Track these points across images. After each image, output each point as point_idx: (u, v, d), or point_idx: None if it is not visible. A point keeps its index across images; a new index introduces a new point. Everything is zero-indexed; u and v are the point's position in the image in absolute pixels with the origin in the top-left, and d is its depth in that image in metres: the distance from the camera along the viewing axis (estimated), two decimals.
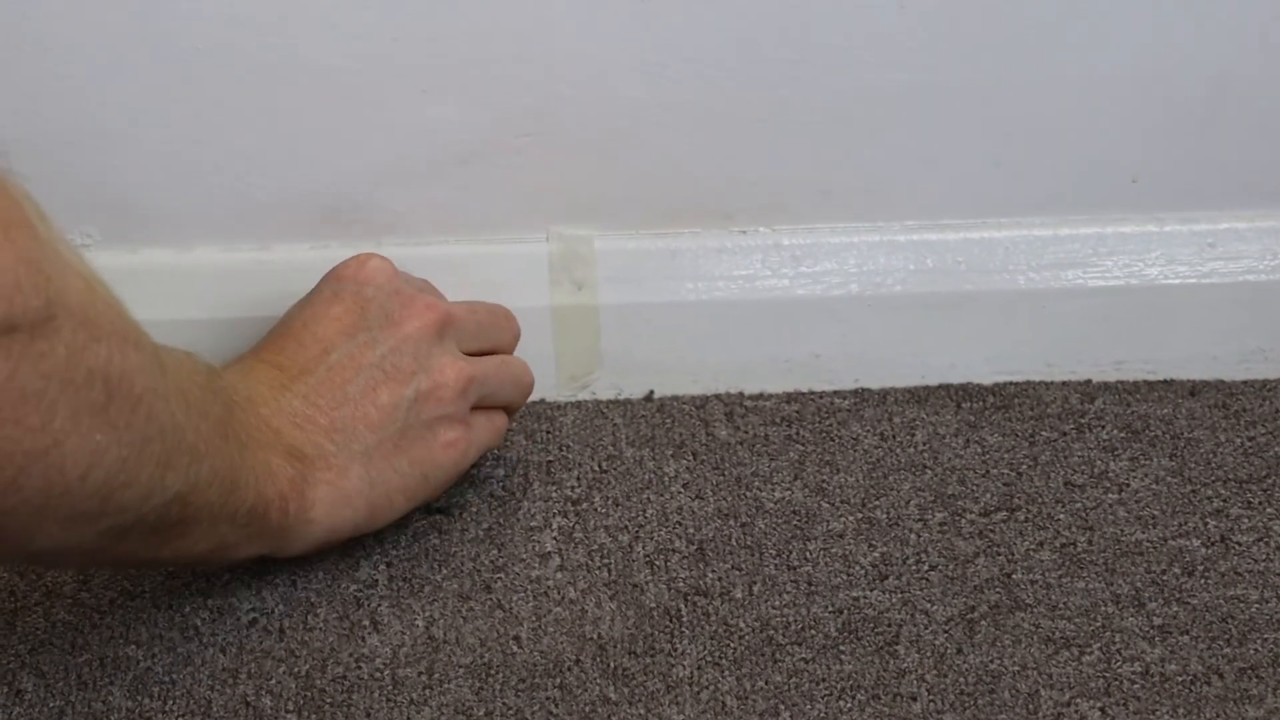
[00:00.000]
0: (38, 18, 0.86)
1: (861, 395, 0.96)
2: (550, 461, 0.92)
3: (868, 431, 0.94)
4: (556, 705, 0.79)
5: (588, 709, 0.79)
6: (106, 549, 0.72)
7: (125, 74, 0.88)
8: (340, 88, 0.90)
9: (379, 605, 0.83)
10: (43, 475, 0.63)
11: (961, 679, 0.80)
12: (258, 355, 0.83)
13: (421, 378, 0.83)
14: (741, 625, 0.83)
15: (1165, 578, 0.85)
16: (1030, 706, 0.79)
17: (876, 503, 0.89)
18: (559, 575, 0.85)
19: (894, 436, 0.93)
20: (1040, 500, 0.90)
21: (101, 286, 0.66)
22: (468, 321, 0.86)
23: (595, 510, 0.89)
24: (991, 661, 0.81)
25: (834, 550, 0.87)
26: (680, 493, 0.90)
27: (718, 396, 0.96)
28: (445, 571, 0.85)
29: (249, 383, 0.80)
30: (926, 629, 0.83)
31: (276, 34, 0.88)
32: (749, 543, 0.87)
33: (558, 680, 0.80)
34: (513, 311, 0.91)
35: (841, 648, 0.82)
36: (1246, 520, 0.89)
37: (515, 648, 0.81)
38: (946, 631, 0.82)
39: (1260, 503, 0.90)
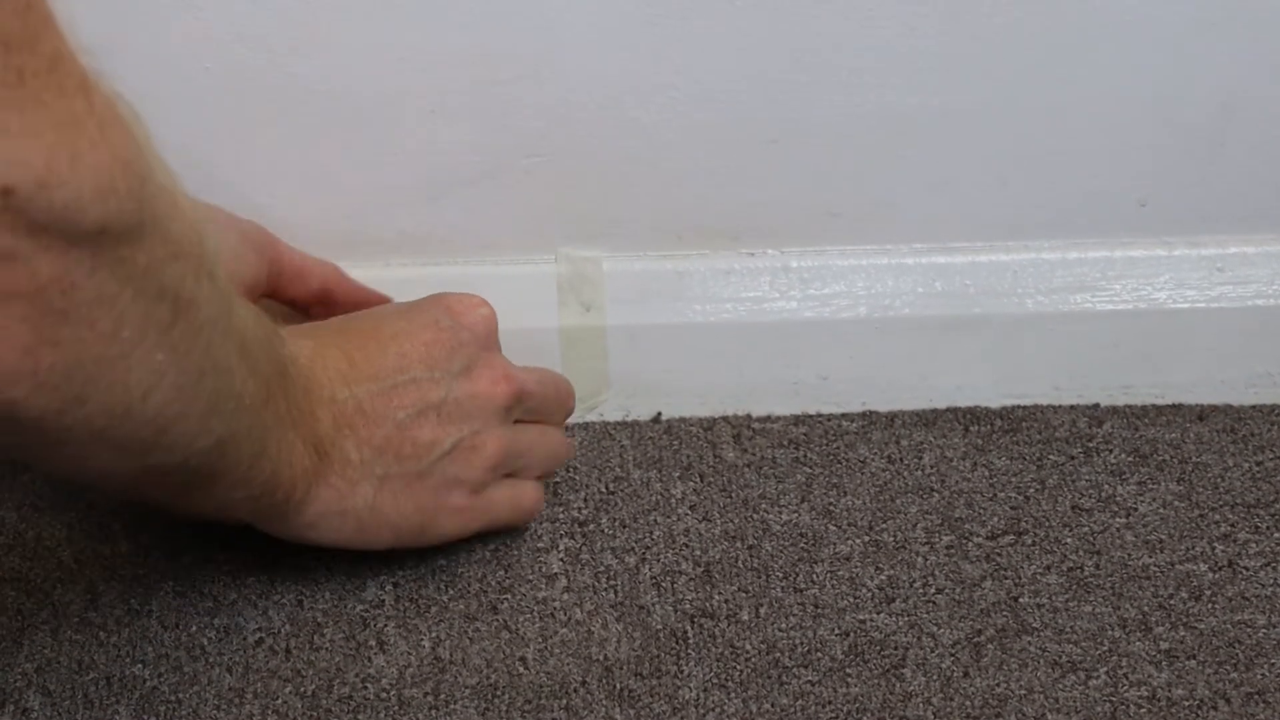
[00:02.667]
0: None
1: (869, 418, 0.96)
2: (557, 483, 0.92)
3: (875, 454, 0.94)
4: None
5: None
6: (141, 488, 0.72)
7: (133, 93, 0.88)
8: (349, 108, 0.90)
9: (385, 625, 0.83)
10: (108, 389, 0.62)
11: (968, 702, 0.80)
12: (338, 340, 0.82)
13: (466, 435, 0.82)
14: (748, 647, 0.83)
15: (1172, 602, 0.85)
16: None
17: (883, 525, 0.89)
18: (565, 596, 0.85)
19: (901, 459, 0.93)
20: (1047, 524, 0.90)
21: (186, 203, 0.65)
22: (535, 397, 0.86)
23: (602, 532, 0.89)
24: (998, 685, 0.81)
25: (841, 573, 0.87)
26: (687, 514, 0.90)
27: (725, 418, 0.96)
28: (452, 592, 0.85)
29: (315, 363, 0.79)
30: (933, 652, 0.82)
31: (286, 54, 0.88)
32: (756, 565, 0.87)
33: (564, 702, 0.80)
34: (519, 332, 0.92)
35: (848, 670, 0.82)
36: (1254, 545, 0.89)
37: (521, 669, 0.81)
38: (953, 655, 0.82)
39: (1268, 527, 0.89)
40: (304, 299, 0.89)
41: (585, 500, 0.90)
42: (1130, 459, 0.94)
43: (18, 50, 0.55)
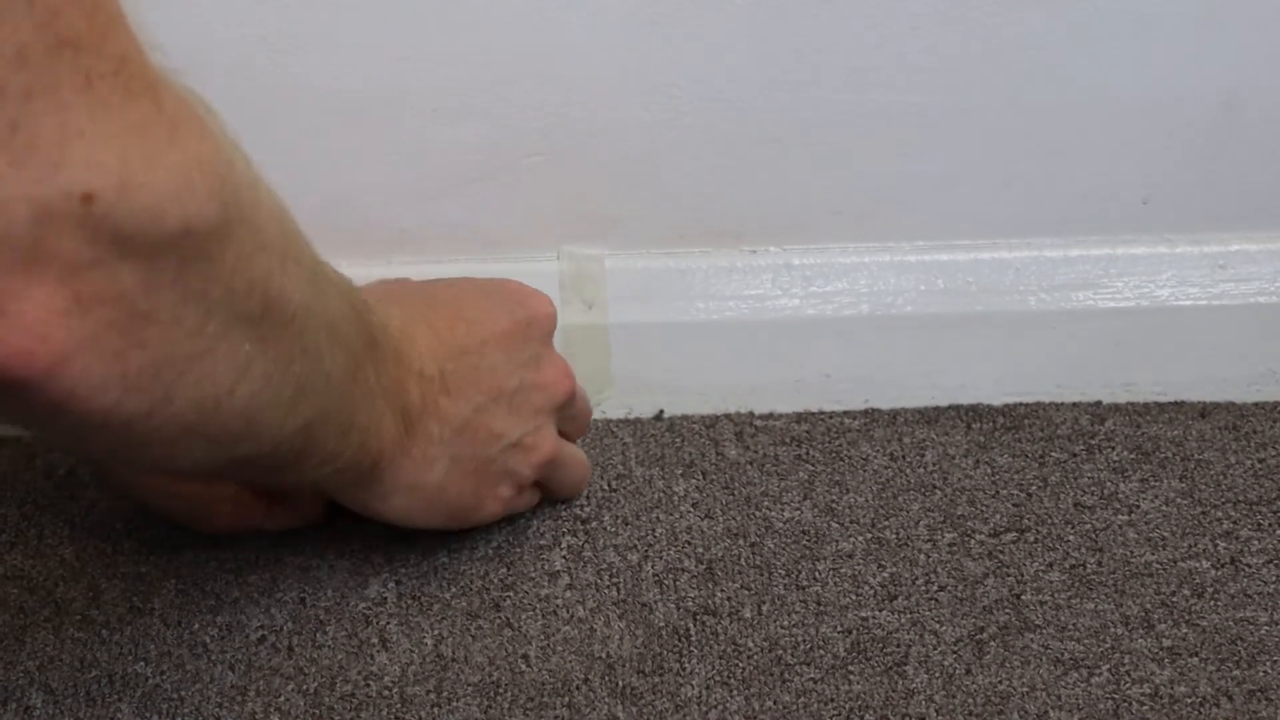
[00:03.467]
0: None
1: (871, 415, 0.96)
2: None
3: (877, 452, 0.94)
4: None
5: None
6: (230, 473, 0.73)
7: None
8: (351, 107, 0.90)
9: (388, 623, 0.83)
10: (196, 385, 0.61)
11: (970, 700, 0.80)
12: (425, 313, 0.82)
13: (529, 431, 0.83)
14: (750, 645, 0.83)
15: (1175, 599, 0.85)
16: None
17: (886, 523, 0.89)
18: (568, 594, 0.85)
19: (904, 457, 0.93)
20: (1050, 521, 0.90)
21: (268, 194, 0.65)
22: (580, 401, 0.87)
23: (604, 529, 0.89)
24: (1000, 682, 0.81)
25: (843, 570, 0.87)
26: (689, 512, 0.90)
27: (727, 416, 0.96)
28: (454, 590, 0.85)
29: (404, 333, 0.79)
30: (935, 649, 0.82)
31: (288, 53, 0.88)
32: (758, 562, 0.87)
33: (566, 699, 0.80)
34: None
35: (850, 668, 0.82)
36: (1256, 542, 0.89)
37: (524, 666, 0.81)
38: (955, 652, 0.82)
39: (1270, 525, 0.89)
40: None
41: (587, 498, 0.90)
42: (1132, 456, 0.94)
43: (85, 51, 0.54)
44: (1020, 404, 0.97)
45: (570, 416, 0.87)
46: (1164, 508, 0.91)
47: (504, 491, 0.84)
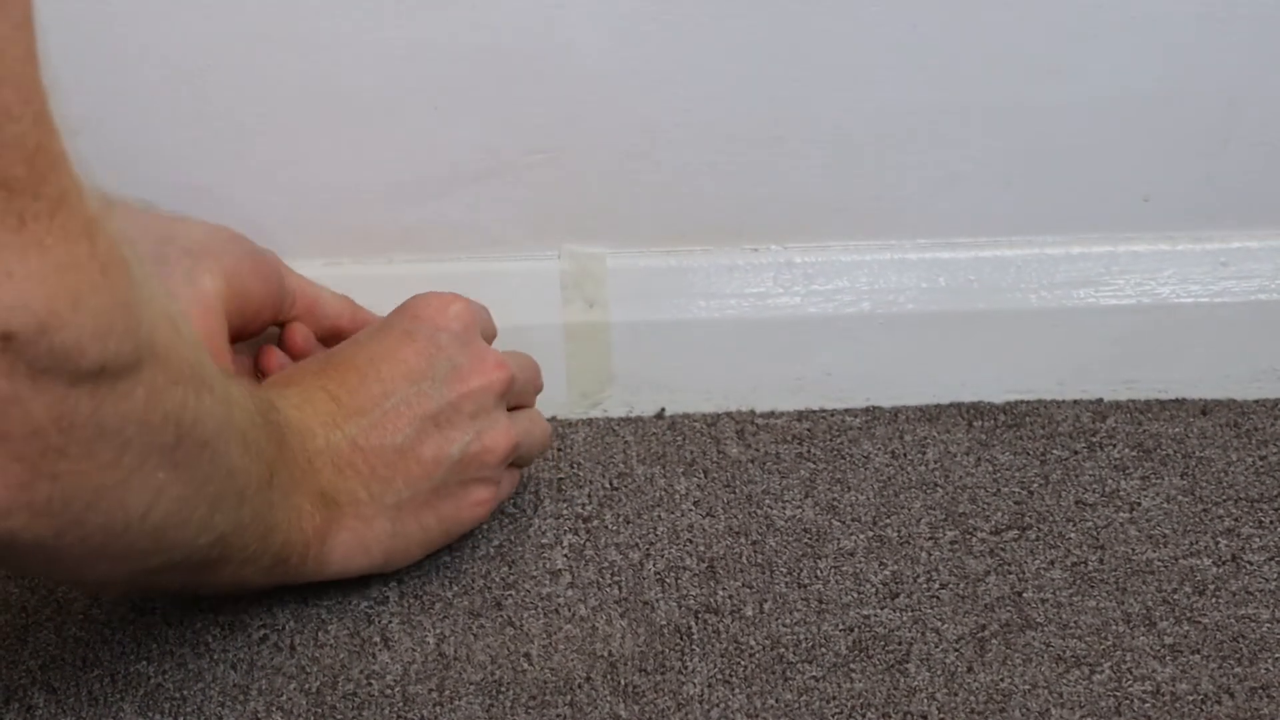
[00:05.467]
0: (44, 36, 0.86)
1: (873, 413, 0.96)
2: (561, 479, 0.92)
3: (879, 450, 0.94)
4: None
5: None
6: (144, 583, 0.74)
7: (137, 91, 0.89)
8: (353, 105, 0.90)
9: (390, 622, 0.83)
10: (106, 512, 0.63)
11: (972, 697, 0.80)
12: (320, 380, 0.82)
13: (472, 440, 0.82)
14: (752, 643, 0.83)
15: (1176, 597, 0.85)
16: None
17: (887, 521, 0.89)
18: (570, 592, 0.85)
19: (905, 455, 0.93)
20: (1051, 519, 0.90)
21: (185, 325, 0.66)
22: (518, 381, 0.86)
23: (606, 527, 0.89)
24: (1002, 680, 0.81)
25: (845, 568, 0.87)
26: (691, 510, 0.90)
27: (729, 414, 0.96)
28: (456, 588, 0.85)
29: (304, 413, 0.80)
30: (937, 647, 0.82)
31: (289, 51, 0.88)
32: (760, 560, 0.87)
33: (568, 698, 0.80)
34: (524, 328, 0.92)
35: (852, 666, 0.82)
36: (1258, 539, 0.89)
37: (526, 665, 0.82)
38: (957, 650, 0.82)
39: (1272, 522, 0.89)
40: (316, 332, 0.89)
41: (589, 496, 0.91)
42: (1134, 454, 0.94)
43: (20, 194, 0.55)
44: (1021, 401, 0.97)
45: (518, 394, 0.86)
46: (1165, 505, 0.91)
47: (478, 495, 0.84)
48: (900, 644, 0.83)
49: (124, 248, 0.61)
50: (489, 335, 0.87)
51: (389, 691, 0.80)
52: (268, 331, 0.88)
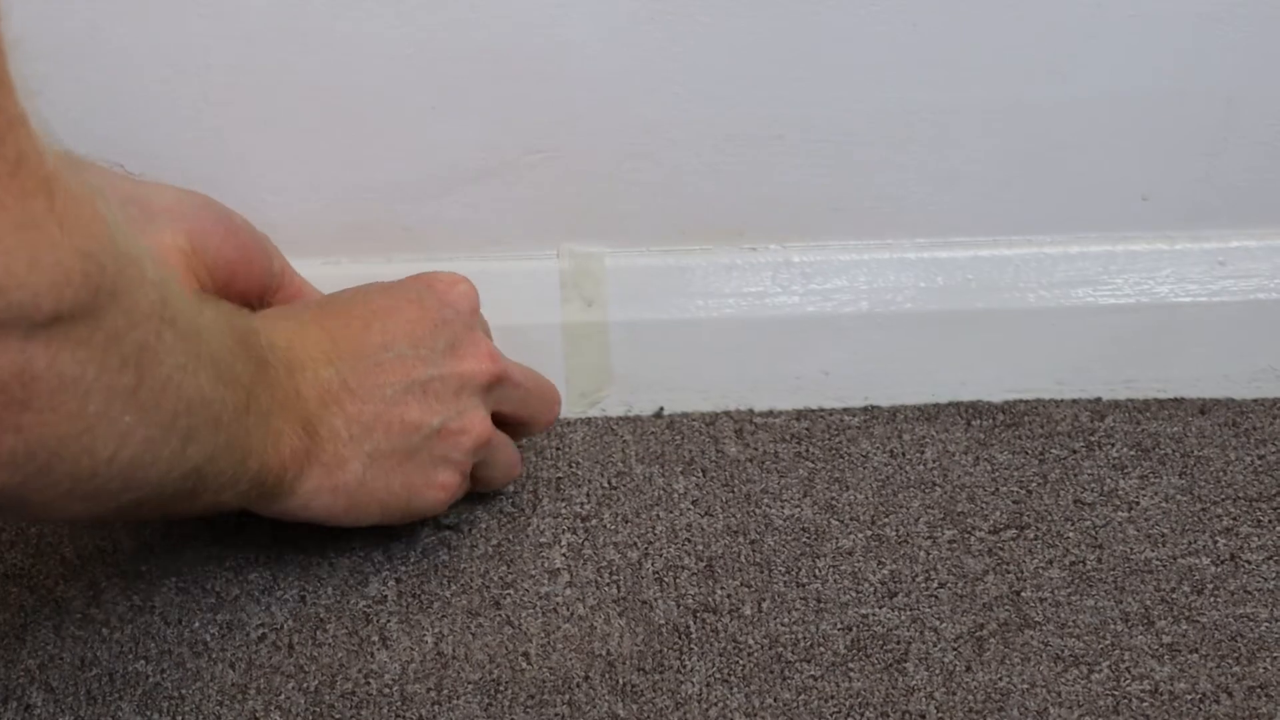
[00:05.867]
0: (49, 31, 0.87)
1: (871, 412, 0.96)
2: (560, 478, 0.92)
3: (877, 449, 0.94)
4: None
5: None
6: (118, 516, 0.75)
7: (137, 88, 0.89)
8: (353, 104, 0.90)
9: (388, 621, 0.83)
10: (74, 460, 0.63)
11: (970, 697, 0.80)
12: (320, 318, 0.82)
13: (452, 416, 0.82)
14: (750, 642, 0.83)
15: (1175, 596, 0.85)
16: None
17: (886, 520, 0.89)
18: (568, 592, 0.85)
19: (903, 454, 0.93)
20: (1050, 518, 0.90)
21: (151, 264, 0.66)
22: (517, 387, 0.86)
23: (604, 527, 0.89)
24: (1000, 679, 0.81)
25: (843, 567, 0.87)
26: (689, 509, 0.90)
27: (727, 413, 0.96)
28: (454, 588, 0.85)
29: (296, 342, 0.80)
30: (935, 646, 0.83)
31: (289, 50, 0.88)
32: (758, 560, 0.87)
33: (566, 697, 0.80)
34: (522, 328, 0.92)
35: (850, 665, 0.82)
36: (1256, 538, 0.89)
37: (524, 664, 0.82)
38: (955, 649, 0.82)
39: (1270, 521, 0.89)
40: None
41: (587, 495, 0.91)
42: (1132, 453, 0.94)
43: None
44: (1020, 401, 0.97)
45: (506, 398, 0.86)
46: (1164, 504, 0.91)
47: (444, 478, 0.83)
48: (898, 643, 0.83)
49: (92, 199, 0.61)
50: (485, 331, 0.87)
51: (387, 690, 0.80)
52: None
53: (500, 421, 0.86)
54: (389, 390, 0.81)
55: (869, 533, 0.89)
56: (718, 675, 0.81)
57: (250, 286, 0.86)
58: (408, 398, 0.81)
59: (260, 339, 0.77)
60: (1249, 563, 0.87)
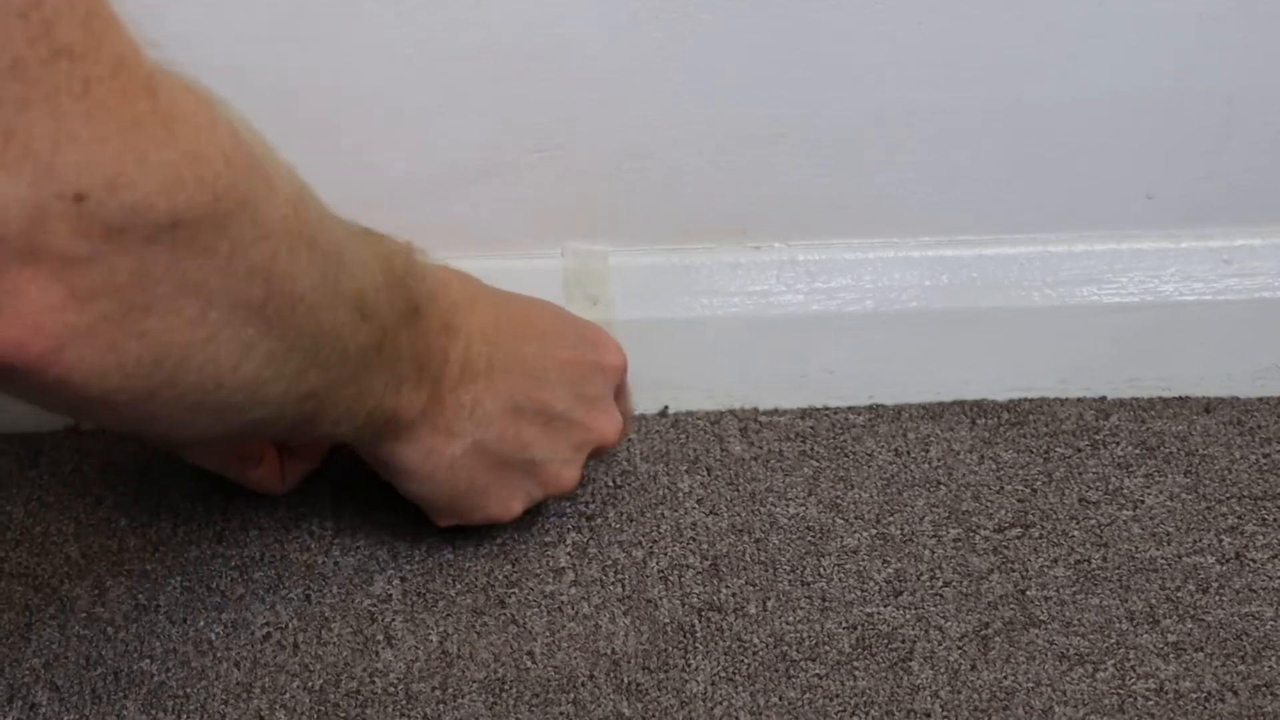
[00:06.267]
0: None
1: (876, 411, 0.96)
2: None
3: (882, 447, 0.94)
4: None
5: None
6: (244, 435, 0.74)
7: None
8: (355, 103, 0.90)
9: (393, 620, 0.83)
10: (199, 369, 0.63)
11: (975, 695, 0.80)
12: (491, 299, 0.84)
13: (553, 460, 0.84)
14: (755, 641, 0.83)
15: (1180, 594, 0.85)
16: None
17: (890, 519, 0.89)
18: (573, 590, 0.85)
19: (908, 452, 0.93)
20: (1054, 517, 0.90)
21: (284, 179, 0.67)
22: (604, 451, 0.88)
23: (609, 525, 0.89)
24: (1005, 678, 0.81)
25: (848, 566, 0.87)
26: (694, 508, 0.90)
27: (732, 412, 0.96)
28: (459, 586, 0.85)
29: (464, 309, 0.80)
30: (940, 645, 0.83)
31: (290, 50, 0.88)
32: (763, 558, 0.87)
33: (571, 696, 0.80)
34: None
35: (855, 664, 0.82)
36: (1261, 537, 0.89)
37: (529, 663, 0.82)
38: (960, 648, 0.82)
39: (1275, 519, 0.89)
40: None
41: (592, 494, 0.91)
42: (1137, 452, 0.94)
43: (82, 59, 0.57)
44: (1025, 399, 0.97)
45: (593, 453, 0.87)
46: (1169, 503, 0.91)
47: (514, 503, 0.84)
48: (903, 642, 0.83)
49: (207, 106, 0.62)
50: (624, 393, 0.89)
51: (392, 689, 0.80)
52: None
53: None
54: (522, 400, 0.82)
55: (874, 531, 0.89)
56: (722, 674, 0.81)
57: None
58: (533, 418, 0.82)
59: (424, 285, 0.78)
60: (1254, 561, 0.87)
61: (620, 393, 0.88)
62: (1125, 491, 0.91)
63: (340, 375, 0.72)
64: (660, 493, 0.91)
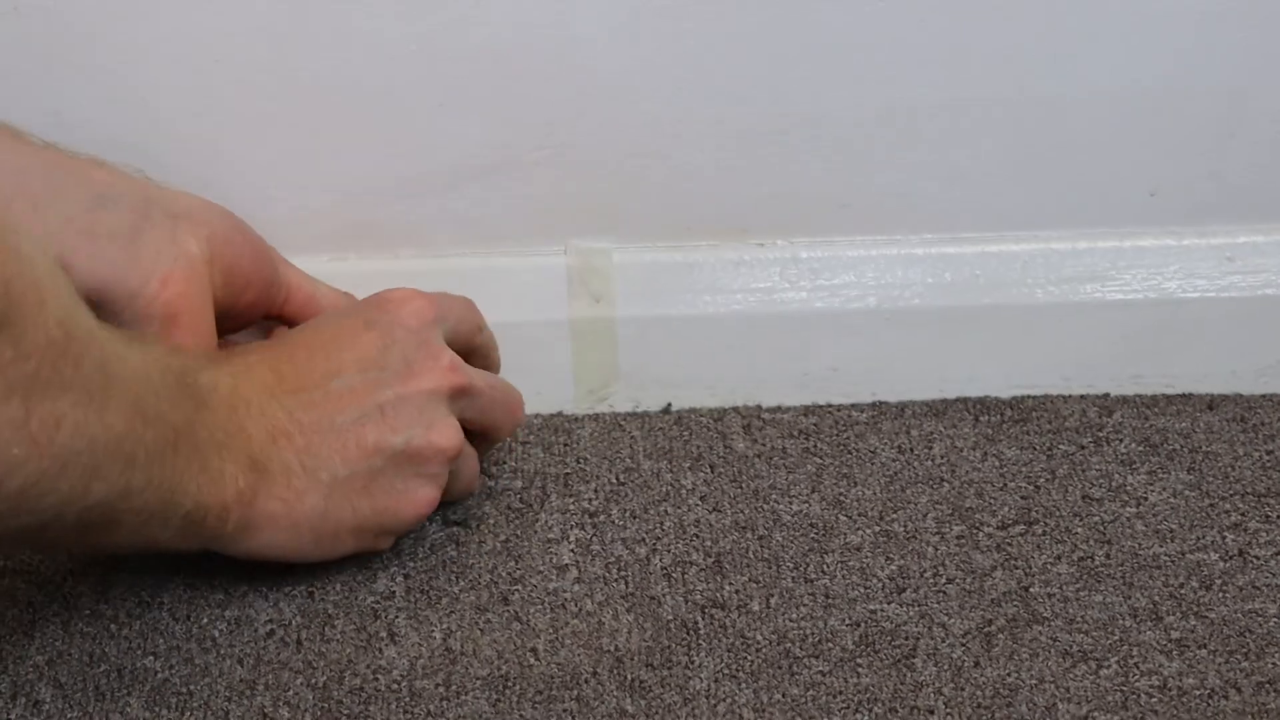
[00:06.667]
0: (55, 30, 0.87)
1: (879, 408, 0.96)
2: (568, 474, 0.92)
3: (885, 444, 0.94)
4: (573, 717, 0.79)
5: None
6: (22, 541, 0.74)
7: (144, 87, 0.89)
8: (360, 100, 0.90)
9: (396, 617, 0.83)
10: None
11: (979, 692, 0.80)
12: (265, 356, 0.82)
13: (418, 433, 0.82)
14: (758, 638, 0.83)
15: (1183, 591, 0.85)
16: None
17: (894, 516, 0.89)
18: (576, 587, 0.85)
19: (911, 449, 0.93)
20: (1058, 513, 0.90)
21: (54, 296, 0.66)
22: (483, 397, 0.85)
23: (613, 522, 0.89)
24: (1009, 675, 0.81)
25: (851, 563, 0.87)
26: (698, 505, 0.90)
27: (735, 409, 0.96)
28: (463, 583, 0.85)
29: (240, 382, 0.79)
30: (944, 642, 0.82)
31: (295, 46, 0.88)
32: (766, 555, 0.87)
33: (575, 692, 0.80)
34: (529, 324, 0.92)
35: (858, 660, 0.82)
36: (1265, 534, 0.88)
37: (532, 660, 0.82)
38: (964, 645, 0.82)
39: (1278, 516, 0.89)
40: None
41: (596, 491, 0.91)
42: (1140, 448, 0.93)
43: None
44: (1028, 396, 0.97)
45: (470, 406, 0.85)
46: (1172, 500, 0.90)
47: (420, 493, 0.83)
48: (907, 639, 0.83)
49: None
50: (465, 330, 0.86)
51: (396, 686, 0.80)
52: (261, 325, 0.89)
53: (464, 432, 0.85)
54: (340, 418, 0.81)
55: (877, 528, 0.89)
56: (726, 671, 0.81)
57: (260, 296, 0.87)
58: (364, 422, 0.81)
59: (199, 379, 0.77)
60: (1257, 558, 0.87)
61: (462, 328, 0.85)
62: (1128, 488, 0.91)
63: (130, 483, 0.71)
64: (663, 490, 0.91)
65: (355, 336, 0.82)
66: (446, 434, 0.82)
